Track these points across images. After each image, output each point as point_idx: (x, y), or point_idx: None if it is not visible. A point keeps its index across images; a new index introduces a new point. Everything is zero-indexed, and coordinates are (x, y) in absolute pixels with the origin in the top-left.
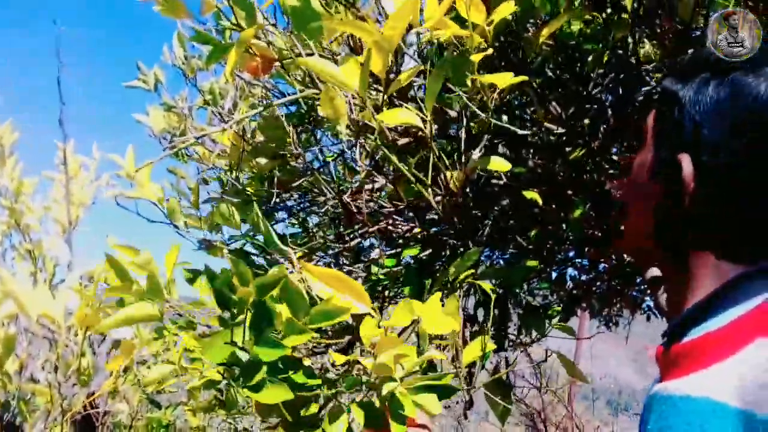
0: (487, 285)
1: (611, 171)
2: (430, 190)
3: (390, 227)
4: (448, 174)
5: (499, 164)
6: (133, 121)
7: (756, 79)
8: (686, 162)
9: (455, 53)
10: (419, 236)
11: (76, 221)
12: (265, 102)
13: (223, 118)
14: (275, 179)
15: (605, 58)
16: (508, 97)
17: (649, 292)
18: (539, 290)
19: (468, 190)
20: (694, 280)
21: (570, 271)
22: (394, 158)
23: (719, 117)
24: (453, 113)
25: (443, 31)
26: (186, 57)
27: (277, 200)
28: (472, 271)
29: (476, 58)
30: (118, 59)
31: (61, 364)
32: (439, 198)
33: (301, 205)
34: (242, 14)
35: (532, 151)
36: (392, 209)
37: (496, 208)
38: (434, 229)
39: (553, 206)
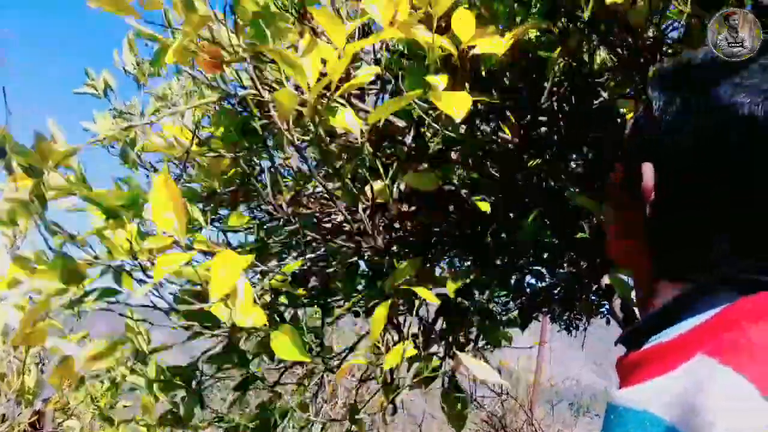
0: (425, 293)
1: (565, 178)
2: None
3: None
4: (376, 186)
5: (426, 182)
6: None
7: (731, 90)
8: (648, 171)
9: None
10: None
11: (24, 233)
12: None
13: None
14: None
15: (557, 69)
16: None
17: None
18: (498, 297)
19: (409, 202)
20: (654, 288)
21: (529, 277)
22: (329, 162)
23: (685, 128)
24: (401, 123)
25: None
26: (138, 62)
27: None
28: (407, 278)
29: (442, 79)
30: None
31: (1, 384)
32: (365, 208)
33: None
34: (180, 5)
35: (490, 159)
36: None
37: (453, 216)
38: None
39: (509, 214)
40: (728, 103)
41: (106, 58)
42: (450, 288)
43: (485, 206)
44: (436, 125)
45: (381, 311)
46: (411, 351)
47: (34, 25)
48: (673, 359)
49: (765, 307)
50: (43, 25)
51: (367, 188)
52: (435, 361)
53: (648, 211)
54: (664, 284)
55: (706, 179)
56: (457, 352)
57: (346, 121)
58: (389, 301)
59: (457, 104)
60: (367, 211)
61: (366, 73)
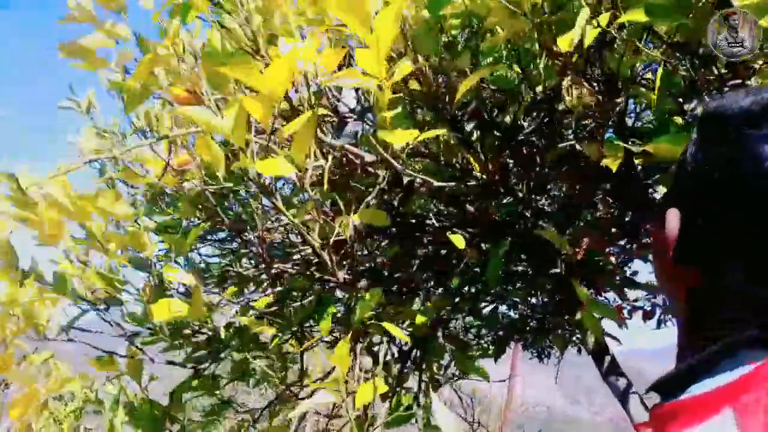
0: (393, 328)
1: (536, 217)
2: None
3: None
4: (339, 221)
5: (377, 217)
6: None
7: (760, 143)
8: (673, 217)
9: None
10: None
11: None
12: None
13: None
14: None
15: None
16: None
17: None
18: (471, 327)
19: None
20: (685, 337)
21: (504, 308)
22: (281, 207)
23: (715, 176)
24: (370, 158)
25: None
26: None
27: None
28: (371, 313)
29: (387, 114)
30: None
31: None
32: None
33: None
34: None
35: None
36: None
37: (428, 248)
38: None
39: (481, 247)
40: (754, 154)
41: None
42: (419, 321)
43: (460, 242)
44: (392, 160)
45: (343, 348)
46: (382, 387)
47: None
48: (704, 413)
49: None
50: None
51: (316, 226)
52: (408, 398)
53: (672, 257)
54: (704, 335)
55: (717, 207)
56: (432, 394)
57: (281, 167)
58: (348, 338)
59: (400, 137)
60: (326, 247)
61: (295, 122)
